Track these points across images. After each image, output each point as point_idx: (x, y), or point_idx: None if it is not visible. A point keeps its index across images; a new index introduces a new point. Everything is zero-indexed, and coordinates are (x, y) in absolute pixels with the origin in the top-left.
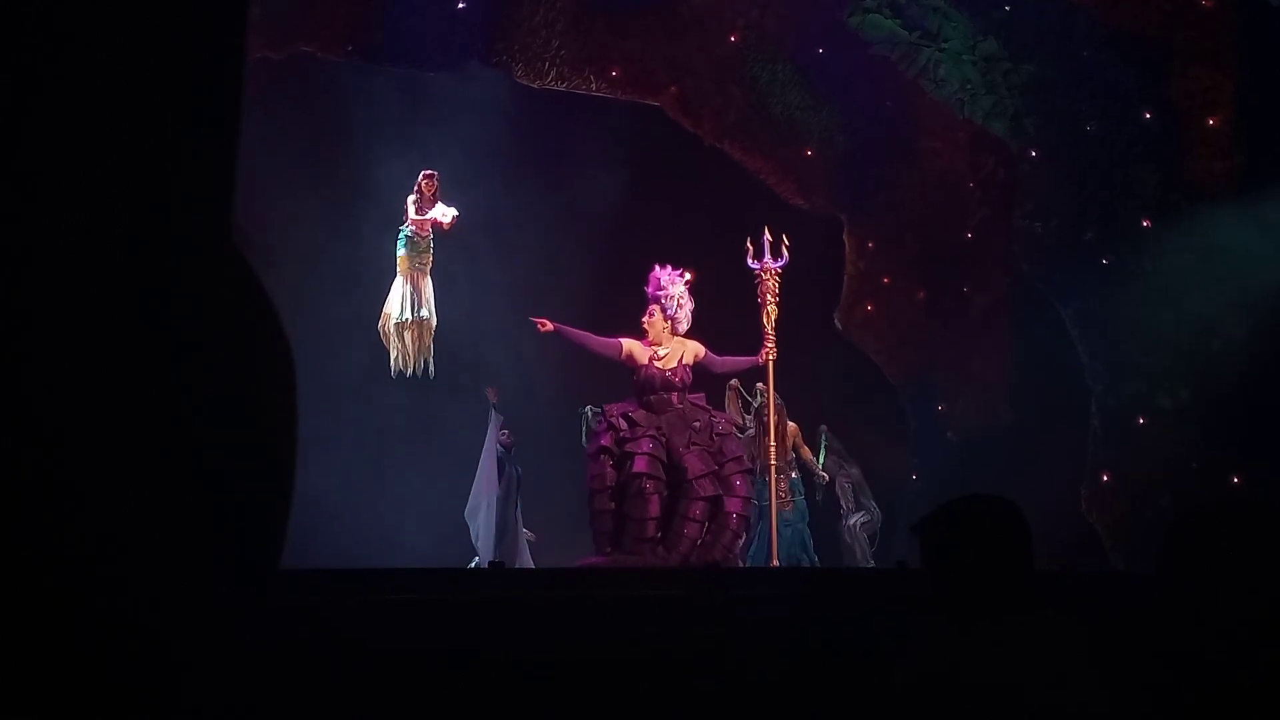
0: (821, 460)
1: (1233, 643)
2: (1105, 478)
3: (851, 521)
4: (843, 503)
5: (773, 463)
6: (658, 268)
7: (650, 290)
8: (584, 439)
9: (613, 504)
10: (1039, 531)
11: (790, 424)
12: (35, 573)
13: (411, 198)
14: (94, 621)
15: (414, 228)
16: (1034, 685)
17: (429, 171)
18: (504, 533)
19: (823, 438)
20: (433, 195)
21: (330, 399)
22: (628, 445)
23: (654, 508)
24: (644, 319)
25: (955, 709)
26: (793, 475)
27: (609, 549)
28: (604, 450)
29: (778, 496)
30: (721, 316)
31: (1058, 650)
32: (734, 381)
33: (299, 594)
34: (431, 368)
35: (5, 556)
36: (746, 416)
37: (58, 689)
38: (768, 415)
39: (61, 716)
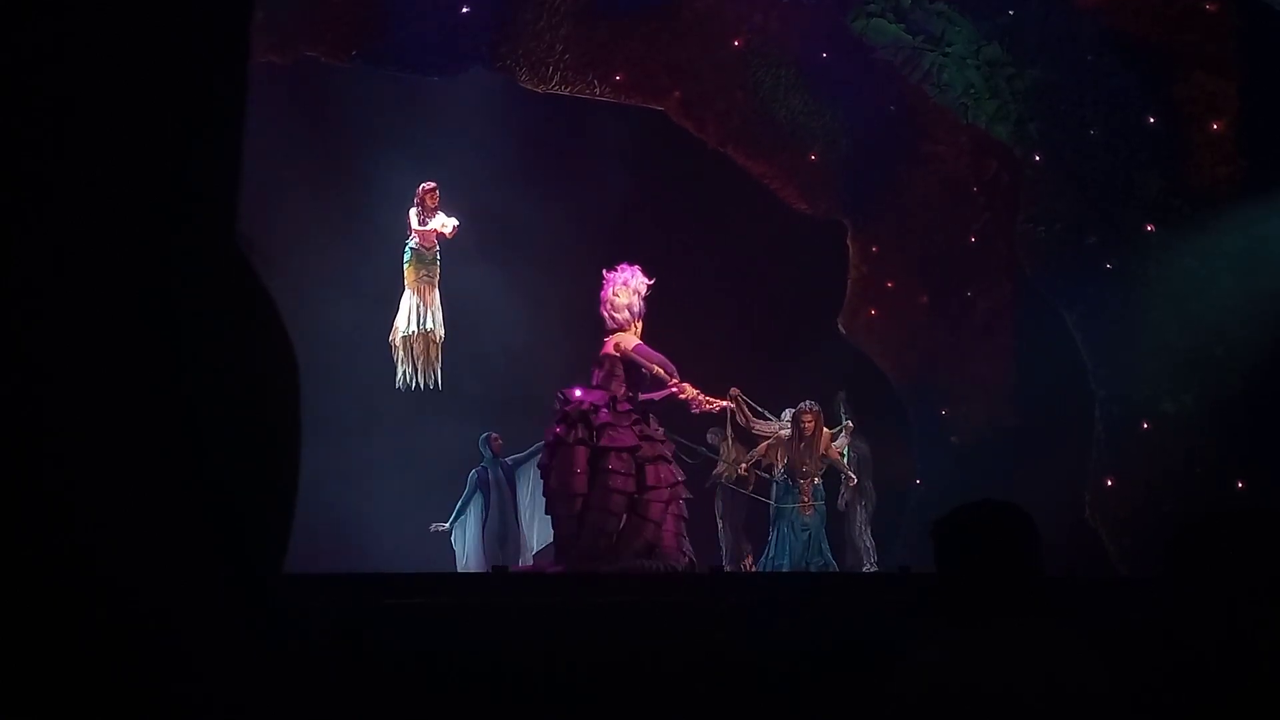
0: (842, 438)
1: (1236, 648)
2: (1109, 482)
3: (858, 523)
4: (843, 489)
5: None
6: (637, 271)
7: (640, 294)
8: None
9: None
10: (1042, 536)
11: (824, 430)
12: (39, 573)
13: (413, 210)
14: (97, 621)
15: (418, 240)
16: (1036, 689)
17: (430, 184)
18: (505, 539)
19: (841, 406)
20: (434, 207)
21: (332, 402)
22: (652, 449)
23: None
24: (637, 322)
25: (956, 712)
26: (816, 481)
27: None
28: (629, 449)
29: (801, 501)
30: (716, 318)
31: (1060, 655)
32: (735, 390)
33: (301, 597)
34: (439, 379)
35: (9, 556)
36: (757, 421)
37: (61, 688)
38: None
39: (63, 716)
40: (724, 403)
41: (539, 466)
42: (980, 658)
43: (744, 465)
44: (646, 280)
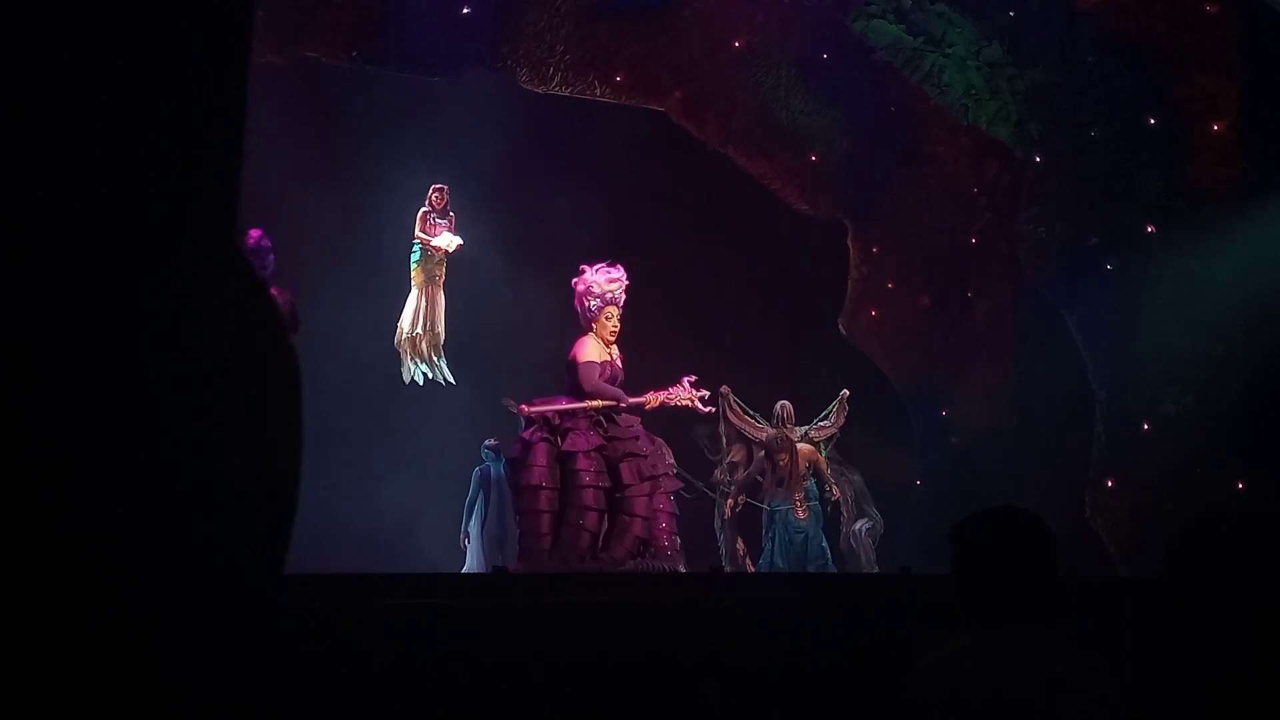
0: (828, 421)
1: (1237, 649)
2: (1109, 484)
3: (856, 527)
4: (844, 510)
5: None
6: (615, 269)
7: (611, 292)
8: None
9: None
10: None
11: (805, 447)
12: (38, 573)
13: (423, 210)
14: (96, 621)
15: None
16: (1045, 694)
17: (438, 185)
18: (504, 540)
19: (839, 405)
20: (443, 208)
21: (335, 404)
22: (622, 446)
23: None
24: (599, 316)
25: (966, 714)
26: (806, 483)
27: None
28: (595, 449)
29: (793, 503)
30: (716, 319)
31: (1069, 661)
32: (725, 388)
33: (303, 598)
34: (446, 376)
35: (12, 558)
36: (747, 421)
37: (59, 688)
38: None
39: (62, 716)
40: (686, 396)
41: (506, 461)
42: (992, 661)
43: (730, 503)
44: (600, 279)
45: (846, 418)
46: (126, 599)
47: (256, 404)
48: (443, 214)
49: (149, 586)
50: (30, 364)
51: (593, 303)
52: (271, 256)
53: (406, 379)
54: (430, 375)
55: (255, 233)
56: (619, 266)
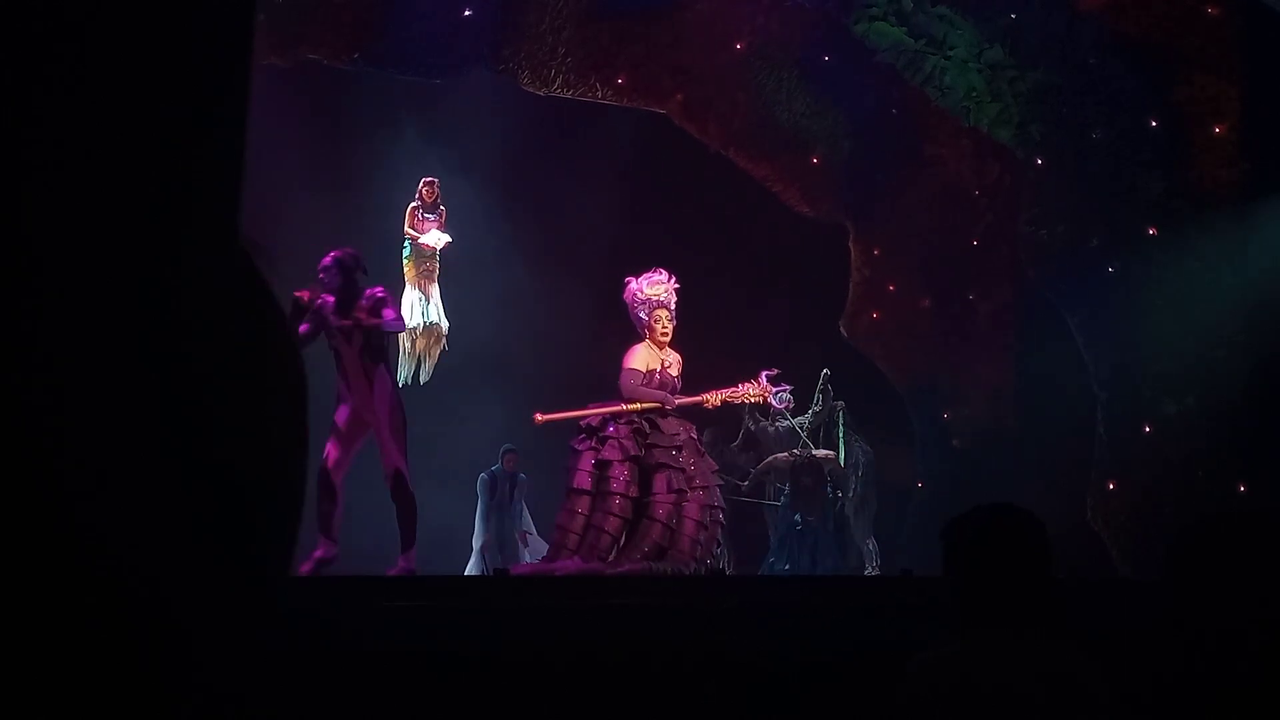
0: (842, 434)
1: (1237, 651)
2: (1111, 485)
3: (860, 528)
4: (852, 487)
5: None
6: (658, 273)
7: (656, 295)
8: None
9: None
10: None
11: (829, 452)
12: (42, 573)
13: (412, 204)
14: (100, 621)
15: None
16: (1041, 695)
17: (429, 179)
18: (504, 543)
19: (822, 387)
20: (433, 202)
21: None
22: (659, 456)
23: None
24: (650, 322)
25: (962, 715)
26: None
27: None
28: (631, 458)
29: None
30: (711, 323)
31: (1066, 662)
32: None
33: (304, 598)
34: (424, 376)
35: (13, 559)
36: (760, 421)
37: (62, 687)
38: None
39: (65, 715)
40: (758, 393)
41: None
42: (988, 661)
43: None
44: (643, 285)
45: (833, 397)
46: (128, 601)
47: (259, 404)
48: (432, 208)
49: (150, 588)
50: (32, 365)
51: (641, 311)
52: (338, 275)
53: (405, 380)
54: (428, 374)
55: (328, 258)
56: (662, 270)
